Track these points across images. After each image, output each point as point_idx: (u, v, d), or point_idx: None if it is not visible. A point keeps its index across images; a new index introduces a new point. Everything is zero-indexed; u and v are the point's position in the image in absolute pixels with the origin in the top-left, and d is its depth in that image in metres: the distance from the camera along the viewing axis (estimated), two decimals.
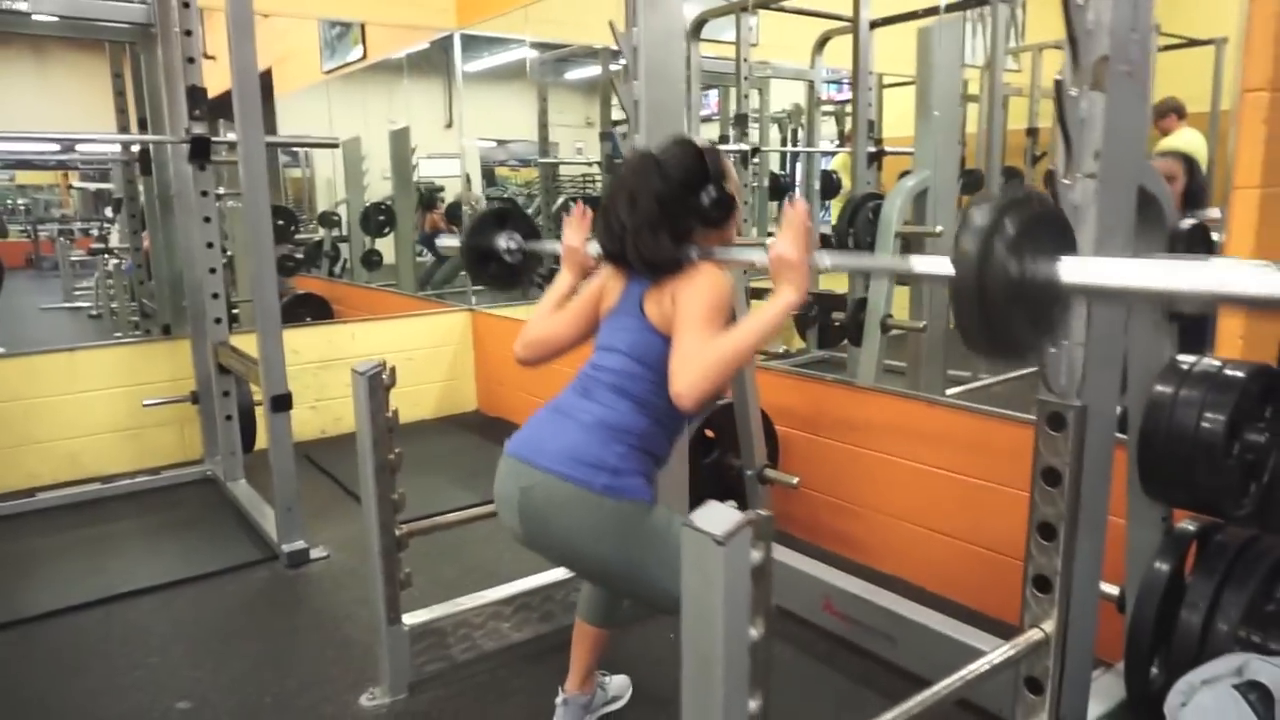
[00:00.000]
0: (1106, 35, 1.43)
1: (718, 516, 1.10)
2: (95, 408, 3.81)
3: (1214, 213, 2.07)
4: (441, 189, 6.72)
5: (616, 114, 5.45)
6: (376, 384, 2.04)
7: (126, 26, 3.88)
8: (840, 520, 2.96)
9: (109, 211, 9.21)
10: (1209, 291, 1.13)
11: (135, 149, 4.44)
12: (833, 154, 6.04)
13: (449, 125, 6.37)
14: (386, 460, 2.08)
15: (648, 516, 1.62)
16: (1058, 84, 1.48)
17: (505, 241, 2.32)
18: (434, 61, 6.06)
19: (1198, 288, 1.13)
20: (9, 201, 13.59)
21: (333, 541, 3.08)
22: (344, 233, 7.04)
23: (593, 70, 6.23)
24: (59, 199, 14.00)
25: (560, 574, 2.47)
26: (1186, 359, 1.76)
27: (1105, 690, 1.91)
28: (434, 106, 6.24)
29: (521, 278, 2.39)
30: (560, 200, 6.13)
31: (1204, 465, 1.69)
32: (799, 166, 6.03)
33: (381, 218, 6.40)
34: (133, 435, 3.89)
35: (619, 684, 2.17)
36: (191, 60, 3.29)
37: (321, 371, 4.33)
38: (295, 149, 7.60)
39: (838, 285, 4.24)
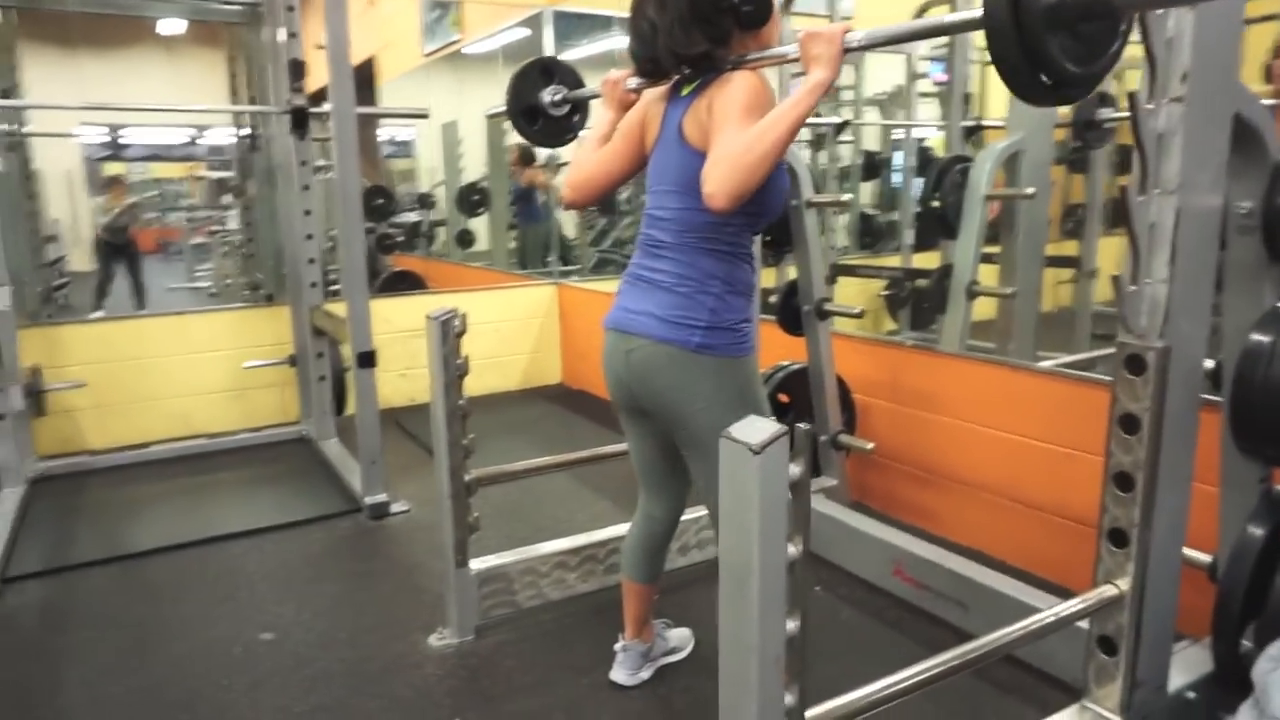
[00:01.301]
0: None
1: (756, 426, 1.08)
2: (203, 369, 4.04)
3: None
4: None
5: None
6: (449, 329, 2.09)
7: (237, 8, 4.10)
8: (919, 491, 2.87)
9: (229, 198, 9.78)
10: None
11: (247, 130, 4.71)
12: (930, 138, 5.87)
13: None
14: (457, 405, 2.13)
15: (739, 367, 1.64)
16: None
17: (550, 95, 2.25)
18: (527, 52, 6.18)
19: None
20: (145, 195, 14.53)
21: (414, 498, 3.18)
22: (441, 214, 7.25)
23: None
24: (188, 190, 14.94)
25: (625, 528, 2.47)
26: None
27: (1190, 661, 1.79)
28: None
29: (569, 131, 2.31)
30: None
31: None
32: (898, 152, 5.85)
33: (476, 198, 6.56)
34: (237, 396, 4.11)
35: (680, 636, 2.17)
36: (293, 35, 3.44)
37: (412, 340, 4.45)
38: (401, 141, 7.86)
39: (929, 261, 4.12)
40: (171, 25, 9.17)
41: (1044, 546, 2.49)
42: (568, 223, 6.20)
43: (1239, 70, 1.47)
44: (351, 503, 3.15)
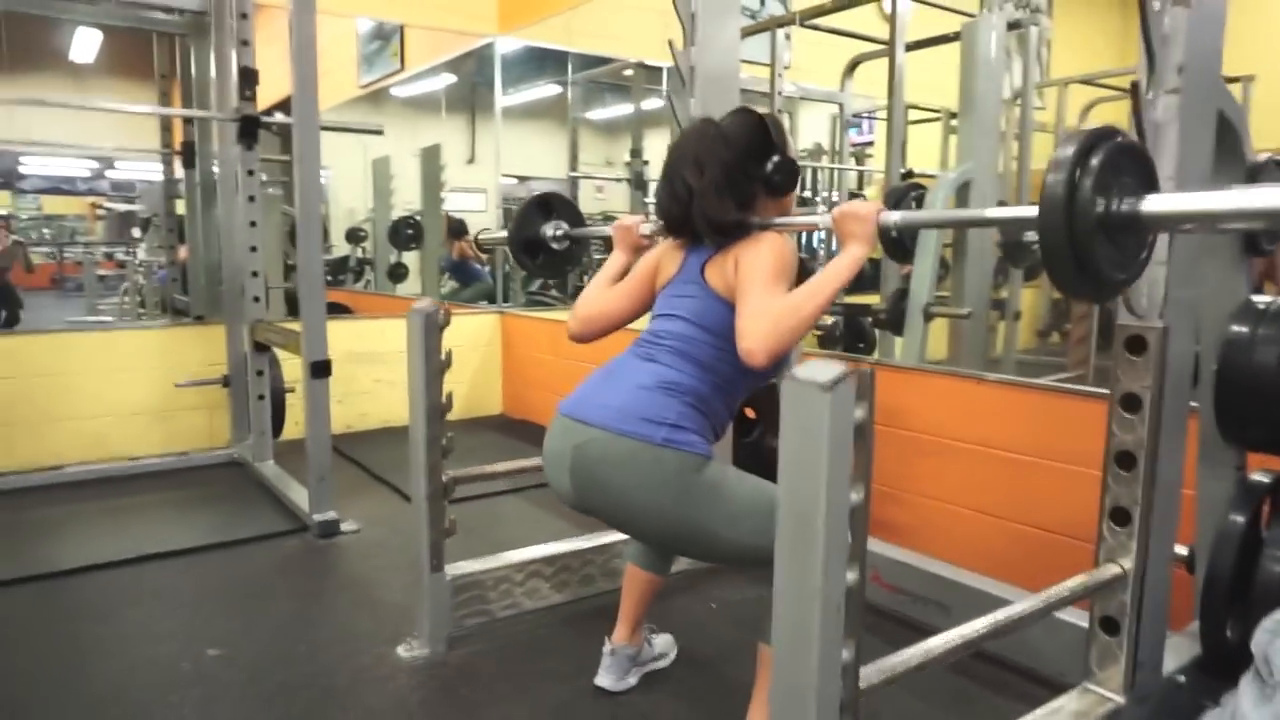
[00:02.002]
0: None
1: (819, 368, 1.07)
2: (125, 388, 3.79)
3: None
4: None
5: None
6: (432, 323, 2.03)
7: (179, 18, 3.98)
8: (884, 507, 2.89)
9: (136, 232, 9.36)
10: None
11: (177, 146, 4.52)
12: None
13: (471, 161, 6.50)
14: (438, 402, 2.05)
15: (706, 469, 1.54)
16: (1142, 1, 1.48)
17: (551, 230, 2.33)
18: (461, 97, 6.21)
19: None
20: (34, 234, 13.75)
21: (363, 518, 3.03)
22: (370, 249, 7.10)
23: (615, 110, 6.36)
24: (86, 227, 14.23)
25: (600, 539, 2.42)
26: (1261, 299, 1.74)
27: (1178, 648, 1.84)
28: (458, 142, 6.36)
29: (569, 265, 2.40)
30: None
31: None
32: (821, 197, 6.07)
33: (410, 231, 6.46)
34: (161, 418, 3.87)
35: (664, 642, 2.11)
36: (245, 43, 3.35)
37: (349, 365, 4.30)
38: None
39: (867, 299, 4.24)
40: (83, 51, 8.82)
41: (1012, 556, 2.53)
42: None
43: (1220, 70, 1.58)
44: (296, 522, 2.98)
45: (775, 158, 1.67)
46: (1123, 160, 1.23)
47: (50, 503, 3.24)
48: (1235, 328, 1.71)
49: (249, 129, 3.37)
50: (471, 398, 4.80)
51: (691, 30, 2.23)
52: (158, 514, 3.16)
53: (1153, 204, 1.23)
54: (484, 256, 6.09)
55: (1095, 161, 1.19)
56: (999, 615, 1.43)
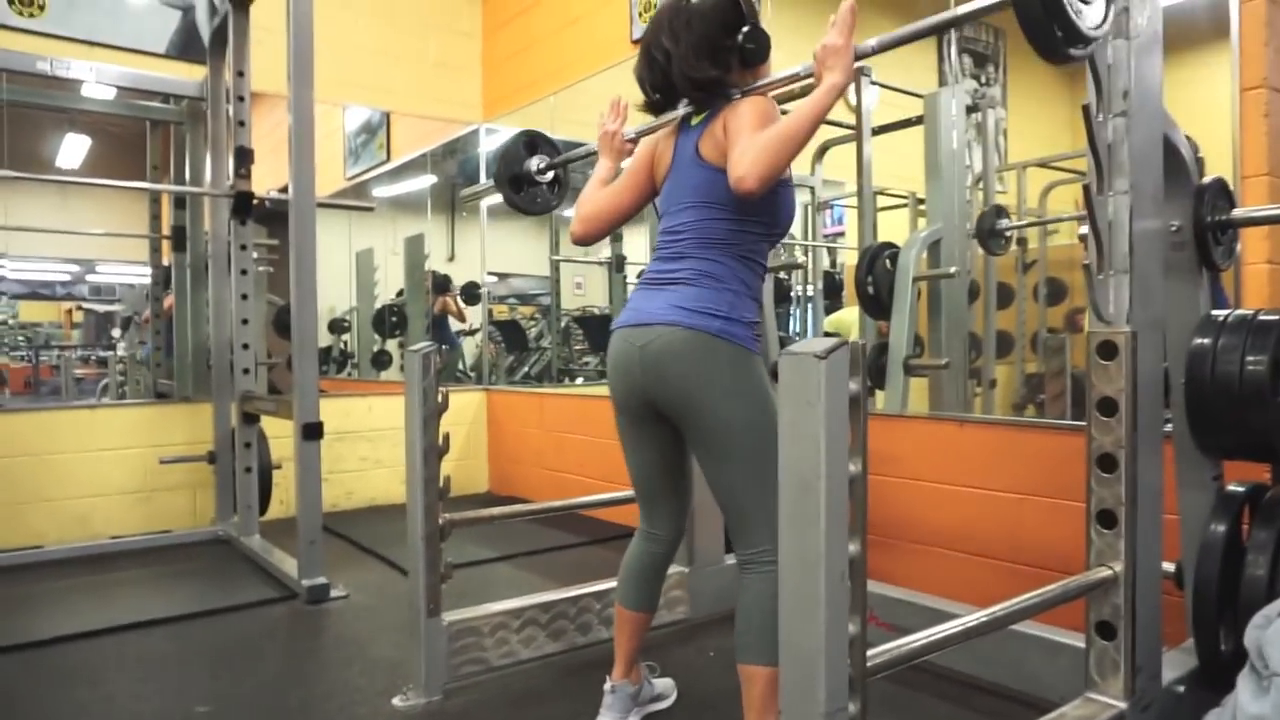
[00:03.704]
0: None
1: (813, 343, 1.13)
2: (107, 468, 3.76)
3: None
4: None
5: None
6: (429, 362, 2.07)
7: (176, 106, 4.14)
8: (874, 555, 2.90)
9: (116, 332, 9.38)
10: None
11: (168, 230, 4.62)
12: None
13: (451, 258, 6.67)
14: (434, 441, 2.08)
15: (757, 369, 1.66)
16: (1090, 40, 1.62)
17: (536, 164, 2.39)
18: (441, 196, 6.43)
19: None
20: (6, 341, 13.71)
21: (352, 586, 2.99)
22: (353, 339, 7.17)
23: None
24: (62, 334, 14.23)
25: (597, 586, 2.41)
26: (1219, 313, 1.83)
27: (1175, 663, 1.85)
28: (440, 239, 6.54)
29: (554, 198, 2.43)
30: (564, 323, 6.24)
31: (1253, 406, 1.73)
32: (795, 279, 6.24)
33: (394, 319, 6.55)
34: (144, 498, 3.82)
35: (665, 685, 2.09)
36: (241, 124, 3.49)
37: (336, 443, 4.31)
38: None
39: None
40: (70, 155, 9.01)
41: (1004, 596, 2.55)
42: (469, 346, 6.30)
43: (1162, 97, 1.71)
44: (285, 590, 2.93)
45: (746, 28, 1.71)
46: None
47: (30, 580, 3.16)
48: (1199, 339, 1.80)
49: (243, 204, 3.47)
50: (458, 475, 4.77)
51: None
52: (141, 587, 3.09)
53: None
54: (465, 316, 6.16)
55: None
56: (999, 607, 1.45)
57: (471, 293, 5.94)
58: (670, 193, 1.79)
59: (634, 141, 1.98)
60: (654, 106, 1.83)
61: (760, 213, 1.68)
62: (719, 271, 1.66)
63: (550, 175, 2.43)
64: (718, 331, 1.62)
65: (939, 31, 1.58)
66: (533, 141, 2.45)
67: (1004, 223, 3.70)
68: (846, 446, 1.13)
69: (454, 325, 6.38)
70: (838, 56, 1.55)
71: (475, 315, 5.97)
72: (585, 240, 1.89)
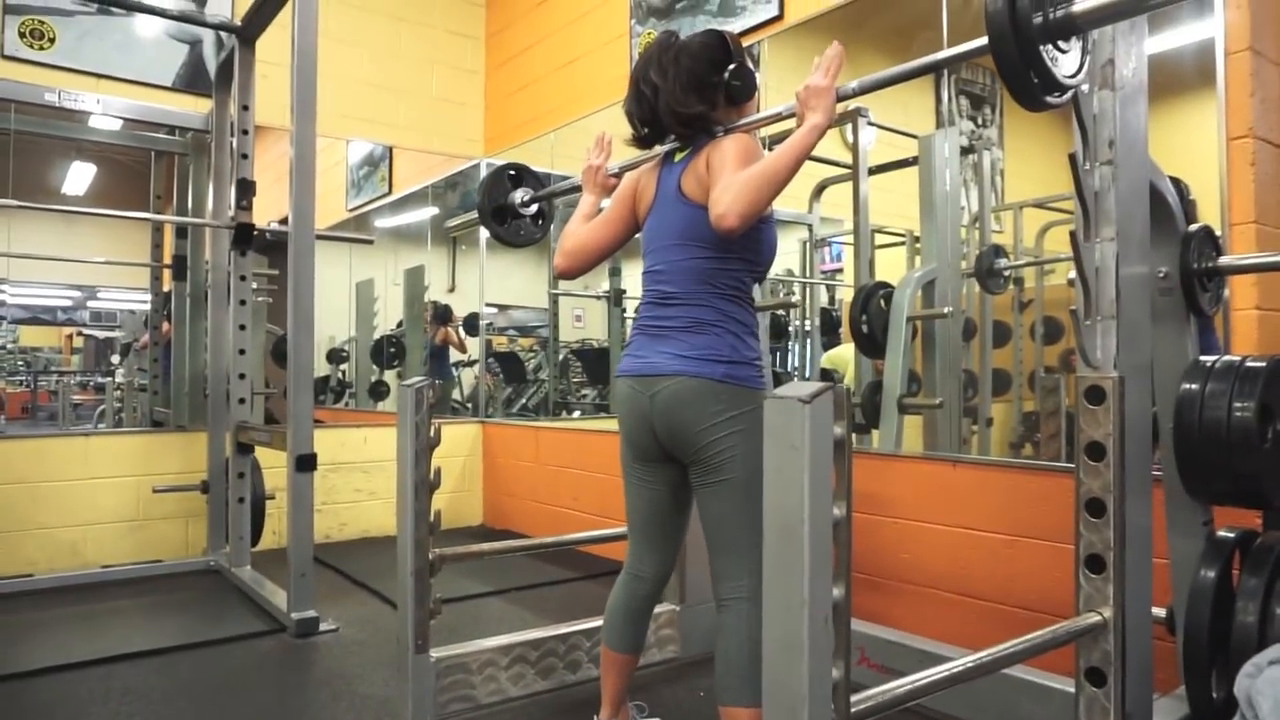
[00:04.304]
0: (1109, 43, 1.62)
1: (798, 386, 1.14)
2: (101, 495, 3.75)
3: None
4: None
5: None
6: (422, 396, 2.08)
7: (181, 138, 4.19)
8: (866, 595, 2.89)
9: (116, 358, 9.41)
10: None
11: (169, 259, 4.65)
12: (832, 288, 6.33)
13: (451, 289, 6.71)
14: (426, 476, 2.08)
15: (761, 405, 1.65)
16: (1067, 89, 1.65)
17: (520, 195, 2.42)
18: (442, 229, 6.48)
19: None
20: (5, 366, 13.72)
21: (341, 620, 2.97)
22: (351, 370, 7.18)
23: None
24: (61, 359, 14.26)
25: (586, 624, 2.39)
26: (1207, 358, 1.84)
27: (1166, 710, 1.84)
28: (440, 272, 6.59)
29: (538, 230, 2.46)
30: (562, 356, 6.27)
31: (1241, 452, 1.73)
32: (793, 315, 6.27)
33: (392, 349, 6.57)
34: (136, 526, 3.81)
35: None
36: (245, 157, 3.53)
37: (331, 474, 4.30)
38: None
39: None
40: (75, 183, 9.10)
41: (998, 638, 2.53)
42: (466, 377, 6.31)
43: (1146, 145, 1.74)
44: (273, 623, 2.91)
45: (733, 65, 1.75)
46: None
47: (17, 609, 3.14)
48: (1186, 385, 1.81)
49: (244, 235, 3.50)
50: (452, 508, 4.77)
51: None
52: (128, 617, 3.07)
53: (1084, 3, 1.34)
54: (466, 347, 6.17)
55: None
56: (986, 652, 1.45)
57: (472, 324, 5.96)
58: (653, 230, 1.81)
59: (617, 176, 2.01)
60: (642, 140, 1.86)
61: (742, 250, 1.70)
62: (711, 316, 1.69)
63: (534, 208, 2.46)
64: (722, 377, 1.65)
65: (922, 74, 1.60)
66: (518, 174, 2.48)
67: (1002, 262, 3.73)
68: (830, 490, 1.13)
69: (454, 356, 6.40)
70: (819, 97, 1.58)
71: (474, 346, 5.99)
72: (569, 274, 1.92)
